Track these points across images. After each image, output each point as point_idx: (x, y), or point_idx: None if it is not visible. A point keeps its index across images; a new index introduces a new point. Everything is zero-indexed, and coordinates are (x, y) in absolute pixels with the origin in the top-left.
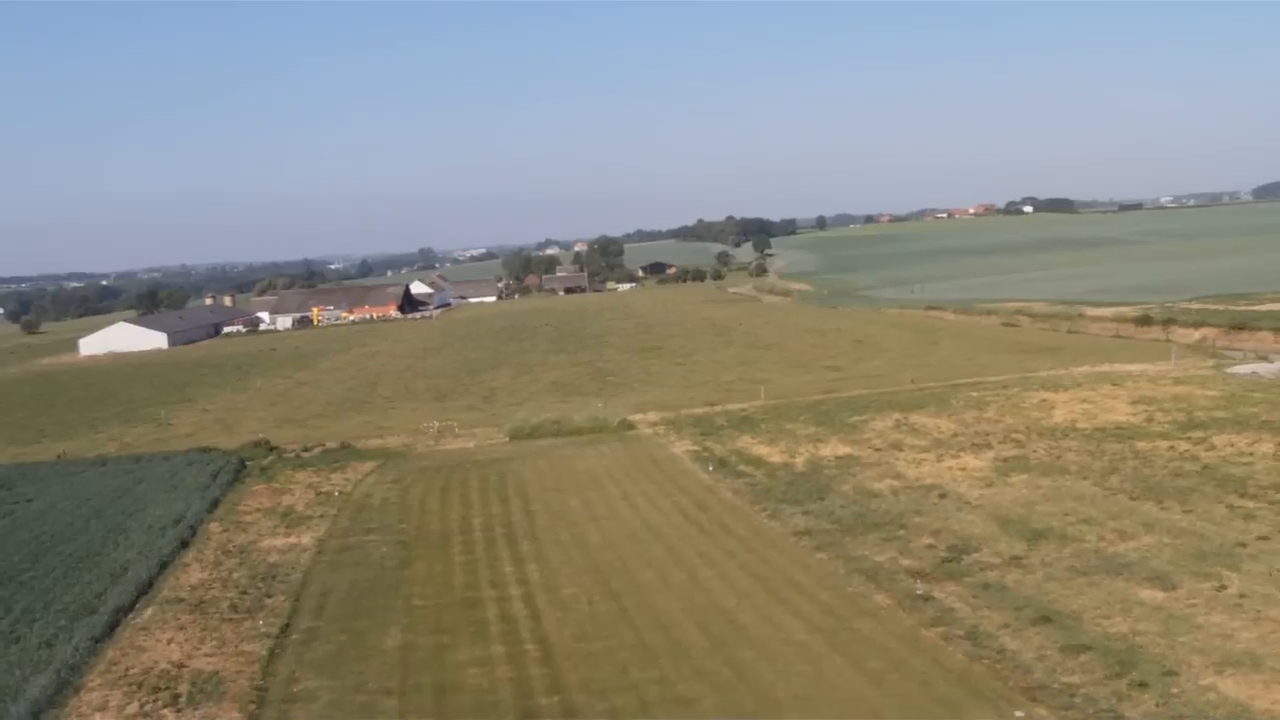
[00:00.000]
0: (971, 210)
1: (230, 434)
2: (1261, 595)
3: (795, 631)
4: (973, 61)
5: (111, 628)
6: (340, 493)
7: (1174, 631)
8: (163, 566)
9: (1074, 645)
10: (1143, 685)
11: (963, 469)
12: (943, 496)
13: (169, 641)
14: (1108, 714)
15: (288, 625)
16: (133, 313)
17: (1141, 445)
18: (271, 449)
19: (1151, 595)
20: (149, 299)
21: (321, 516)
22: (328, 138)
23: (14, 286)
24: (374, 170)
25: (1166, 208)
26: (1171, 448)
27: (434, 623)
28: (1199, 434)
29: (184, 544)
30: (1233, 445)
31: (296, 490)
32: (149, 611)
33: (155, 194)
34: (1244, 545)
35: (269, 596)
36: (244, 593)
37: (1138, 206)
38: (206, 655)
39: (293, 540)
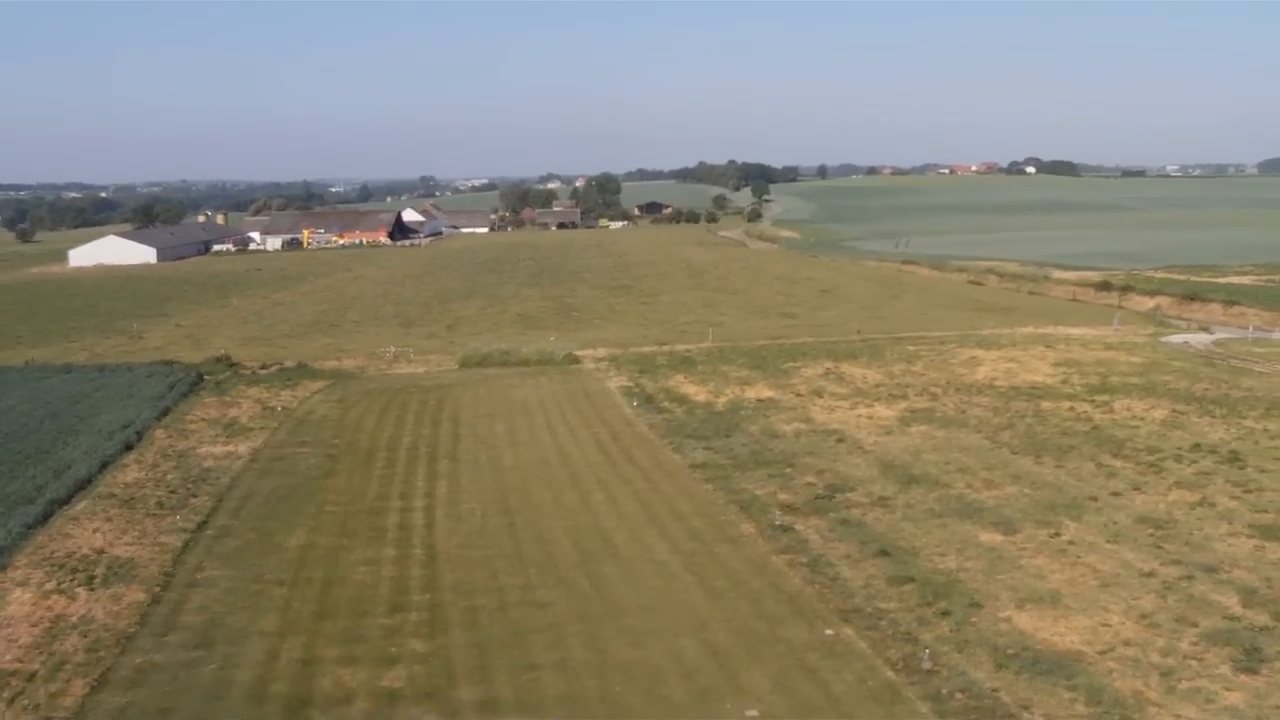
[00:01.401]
0: (974, 168)
1: (198, 349)
2: (1088, 543)
3: (660, 552)
4: (985, 18)
5: (45, 517)
6: (284, 408)
7: (995, 570)
8: (104, 466)
9: (901, 577)
10: (946, 614)
11: (870, 417)
12: (840, 441)
13: (94, 531)
14: (903, 635)
15: (205, 522)
16: (128, 226)
17: (1046, 405)
18: (231, 365)
19: (990, 538)
20: (145, 213)
21: (262, 429)
22: (335, 59)
23: (12, 194)
24: (380, 95)
25: (1170, 176)
26: (1072, 409)
27: (338, 527)
28: (1104, 397)
29: (128, 447)
30: (1130, 410)
31: (244, 404)
32: (82, 504)
33: (160, 106)
34: (1094, 499)
35: (195, 496)
36: (173, 492)
37: (1140, 173)
38: (126, 544)
39: (230, 449)
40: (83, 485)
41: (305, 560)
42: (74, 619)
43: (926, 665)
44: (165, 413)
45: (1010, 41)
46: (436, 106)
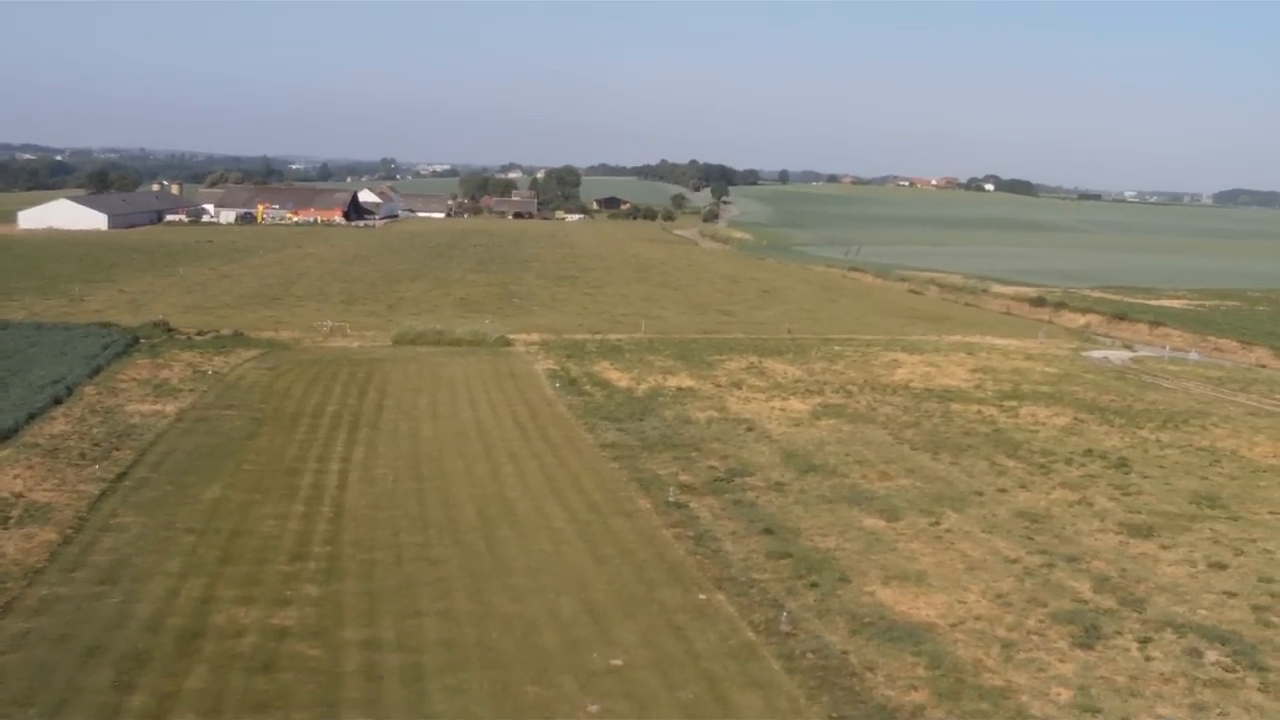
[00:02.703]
0: (934, 182)
1: (138, 314)
2: (964, 532)
3: (557, 520)
4: (953, 32)
5: None
6: (215, 373)
7: (871, 551)
8: (31, 418)
9: (779, 552)
10: (814, 585)
11: (783, 410)
12: (749, 430)
13: (15, 477)
14: (770, 602)
15: (124, 474)
16: (82, 191)
17: (955, 407)
18: (168, 330)
19: (874, 524)
20: (100, 179)
21: (191, 391)
22: (302, 34)
23: None
24: (345, 73)
25: (1127, 201)
26: (979, 412)
27: (254, 484)
28: (1012, 403)
29: (57, 401)
30: (1034, 415)
31: (176, 367)
32: (6, 453)
33: (121, 71)
34: (980, 494)
35: (118, 450)
36: (96, 445)
37: (1097, 197)
38: (45, 490)
39: (158, 408)
40: (8, 435)
41: (217, 512)
42: None
43: (784, 628)
44: (97, 371)
45: (975, 59)
46: (402, 88)
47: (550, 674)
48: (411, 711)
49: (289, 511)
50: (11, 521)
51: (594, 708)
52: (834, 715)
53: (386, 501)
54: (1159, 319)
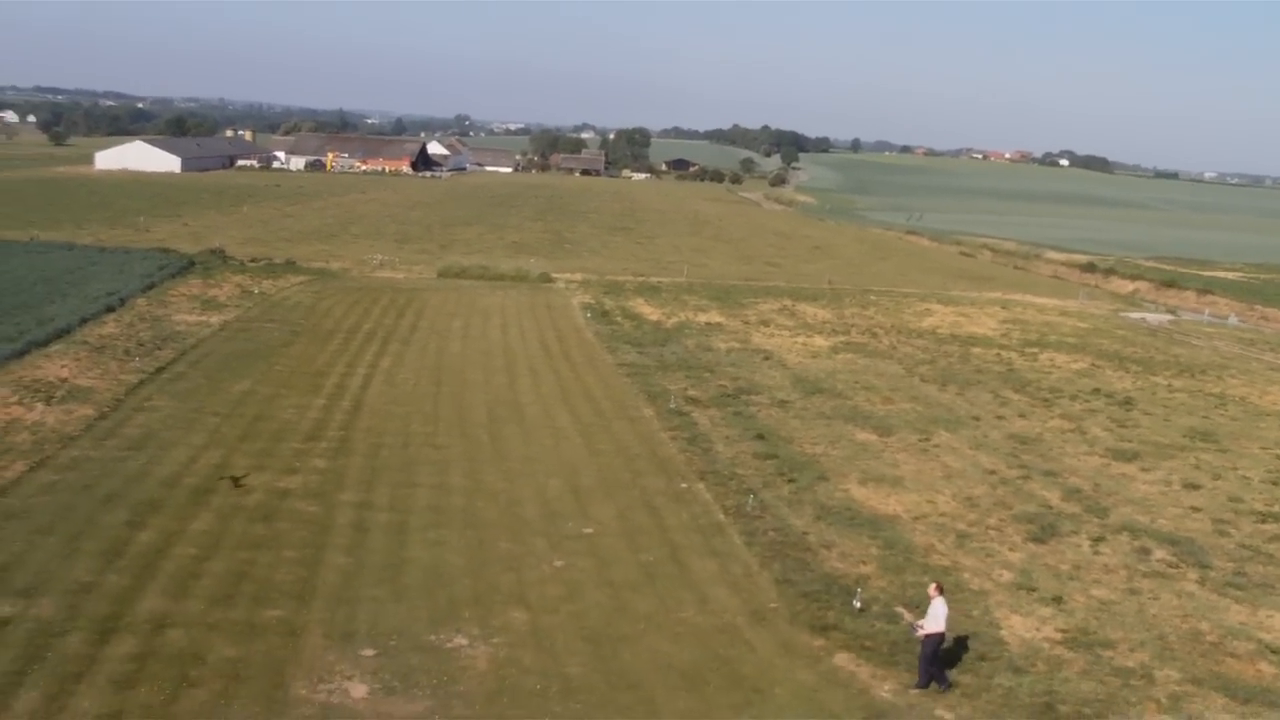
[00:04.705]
0: (1008, 155)
1: (198, 245)
2: (951, 449)
3: (561, 421)
4: (1037, 8)
5: (21, 353)
6: (261, 293)
7: (856, 458)
8: (83, 321)
9: (767, 454)
10: (791, 481)
11: (804, 344)
12: (766, 359)
13: (62, 366)
14: (745, 491)
15: (163, 368)
16: (159, 137)
17: (976, 350)
18: (224, 257)
19: (865, 437)
20: (177, 124)
21: (237, 307)
22: None
23: (50, 97)
24: (423, 30)
25: (1205, 181)
26: (998, 355)
27: (282, 381)
28: (1034, 350)
29: (110, 310)
30: (1052, 361)
31: (226, 287)
32: (57, 347)
33: (204, 23)
34: (978, 419)
35: (160, 349)
36: (141, 345)
37: (1174, 176)
38: (88, 377)
39: (203, 319)
40: (61, 334)
41: (244, 401)
42: (28, 423)
43: (751, 509)
44: (150, 287)
45: (1058, 32)
46: (480, 49)
47: (524, 536)
48: (390, 555)
49: (310, 404)
50: (54, 400)
51: (559, 563)
52: (780, 579)
53: (403, 399)
54: (1207, 287)
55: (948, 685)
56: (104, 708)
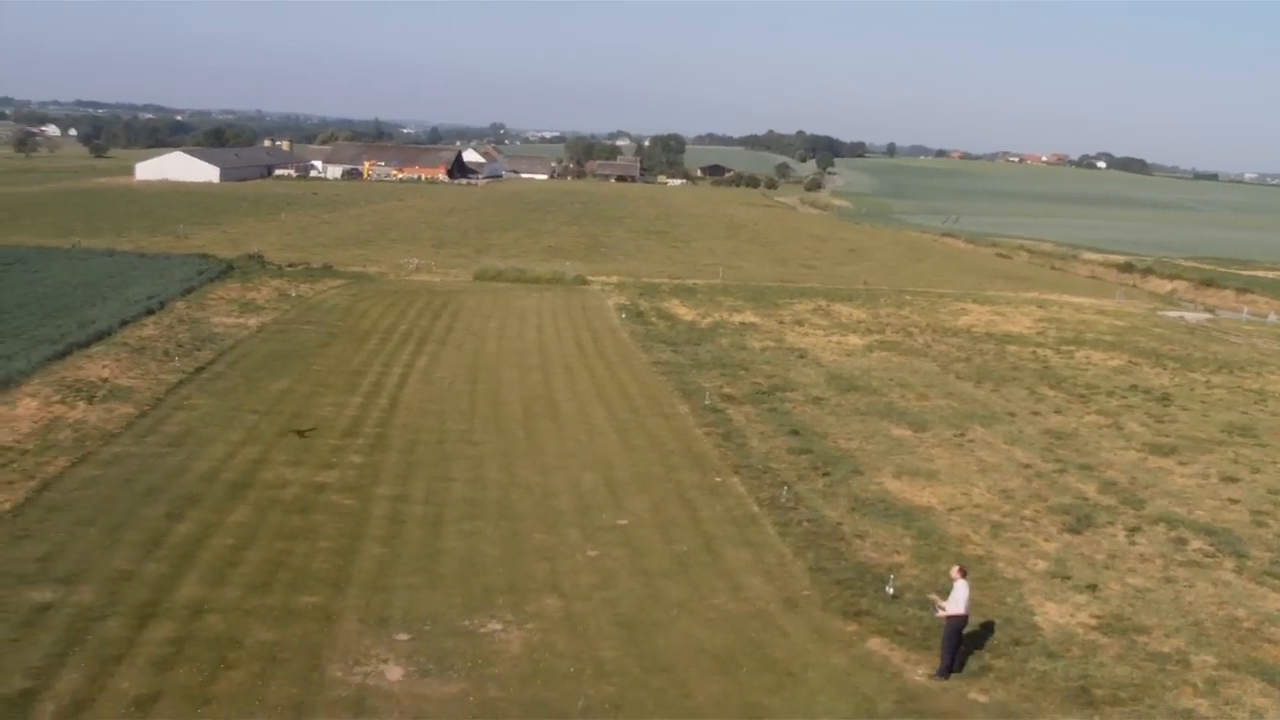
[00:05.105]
0: (1044, 158)
1: (236, 250)
2: (986, 443)
3: (597, 418)
4: (1070, 10)
5: (63, 354)
6: (299, 296)
7: (890, 453)
8: (124, 324)
9: (801, 449)
10: (826, 474)
11: (839, 343)
12: (801, 357)
13: (103, 366)
14: (779, 484)
15: (202, 368)
16: (198, 148)
17: (1012, 348)
18: (262, 262)
19: (900, 433)
20: (215, 136)
21: (275, 309)
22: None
23: (90, 111)
24: (458, 40)
25: (1244, 182)
26: (1034, 353)
27: (319, 380)
28: (1071, 348)
29: (149, 312)
30: (1088, 358)
31: (264, 290)
32: (98, 348)
33: (241, 36)
34: (1013, 415)
35: (199, 350)
36: (180, 346)
37: (1214, 177)
38: (129, 377)
39: (241, 321)
40: (102, 335)
41: (282, 399)
42: (70, 421)
43: (785, 501)
44: (190, 291)
45: (1094, 35)
46: (514, 60)
47: (559, 527)
48: (425, 545)
49: (348, 401)
50: (96, 399)
51: (593, 552)
52: (814, 568)
53: (439, 397)
54: (1246, 286)
55: (947, 673)
56: (143, 688)
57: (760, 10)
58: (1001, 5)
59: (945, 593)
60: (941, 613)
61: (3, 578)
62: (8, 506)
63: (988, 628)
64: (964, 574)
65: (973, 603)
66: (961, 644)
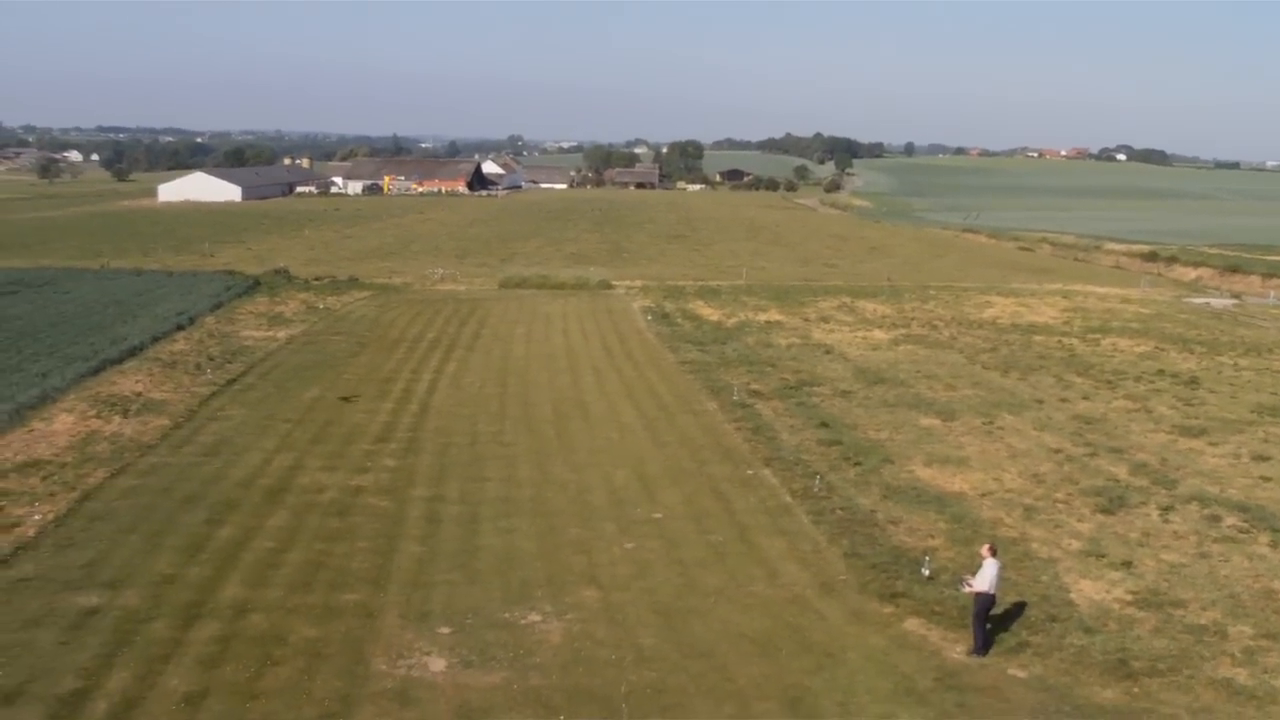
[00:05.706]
0: (1064, 153)
1: (261, 266)
2: (1015, 430)
3: (627, 416)
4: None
5: (97, 370)
6: (326, 308)
7: (921, 442)
8: (155, 340)
9: (832, 441)
10: (858, 464)
11: (864, 338)
12: (827, 353)
13: (136, 381)
14: (812, 474)
15: (234, 380)
16: (219, 168)
17: (1038, 338)
18: (288, 276)
19: (929, 422)
20: (235, 156)
21: (303, 322)
22: (429, 16)
23: (112, 136)
24: (474, 54)
25: (1267, 170)
26: (1060, 342)
27: (350, 388)
28: (1097, 336)
29: (180, 328)
30: (1115, 345)
31: (292, 304)
32: (131, 364)
33: (260, 57)
34: (1041, 402)
35: (230, 363)
36: (211, 359)
37: (1235, 166)
38: (162, 391)
39: (270, 334)
40: (134, 351)
41: (314, 408)
42: (107, 434)
43: (819, 491)
44: (219, 306)
45: (1111, 27)
46: (531, 72)
47: (594, 522)
48: (462, 543)
49: (379, 408)
50: (131, 412)
51: (629, 545)
52: (849, 553)
53: (470, 401)
54: (1272, 271)
55: (983, 650)
56: (191, 685)
57: (775, 14)
58: (1016, 2)
59: (977, 571)
60: (968, 589)
61: (49, 584)
62: (51, 517)
63: (1022, 605)
64: (994, 552)
65: (1007, 581)
66: (989, 623)
